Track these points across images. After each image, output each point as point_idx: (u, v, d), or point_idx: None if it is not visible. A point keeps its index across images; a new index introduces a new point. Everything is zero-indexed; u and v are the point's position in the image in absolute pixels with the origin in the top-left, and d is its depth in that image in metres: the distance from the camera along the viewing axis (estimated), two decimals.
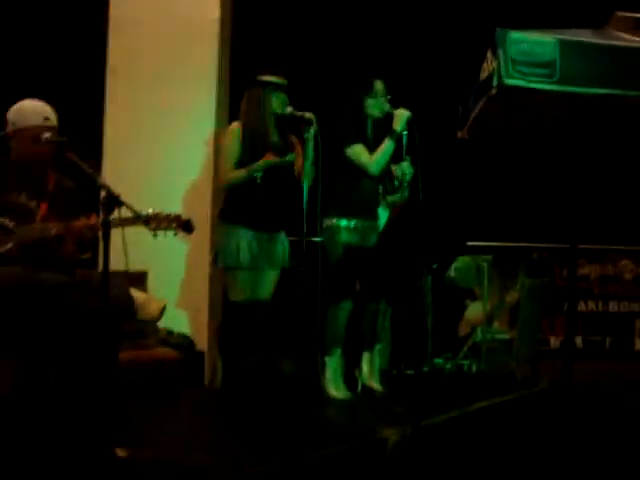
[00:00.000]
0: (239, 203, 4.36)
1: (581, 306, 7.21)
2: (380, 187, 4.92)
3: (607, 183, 7.19)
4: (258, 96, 4.38)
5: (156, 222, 3.29)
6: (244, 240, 4.32)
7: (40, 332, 3.30)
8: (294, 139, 4.48)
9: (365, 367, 4.72)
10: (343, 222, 4.52)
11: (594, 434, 4.24)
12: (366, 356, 4.73)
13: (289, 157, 4.27)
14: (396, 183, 4.75)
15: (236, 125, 4.41)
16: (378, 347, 4.80)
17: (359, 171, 4.56)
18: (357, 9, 7.01)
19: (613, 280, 7.33)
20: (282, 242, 4.51)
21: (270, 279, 4.50)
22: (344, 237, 4.51)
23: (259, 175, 4.27)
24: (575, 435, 4.20)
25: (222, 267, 4.47)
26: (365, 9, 7.00)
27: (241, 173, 4.30)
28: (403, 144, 4.55)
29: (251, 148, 4.34)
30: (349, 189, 4.54)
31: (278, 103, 4.37)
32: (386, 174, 4.72)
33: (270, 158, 4.27)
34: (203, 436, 3.90)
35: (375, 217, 4.73)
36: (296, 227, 4.56)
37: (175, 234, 3.38)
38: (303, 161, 4.23)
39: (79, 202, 3.70)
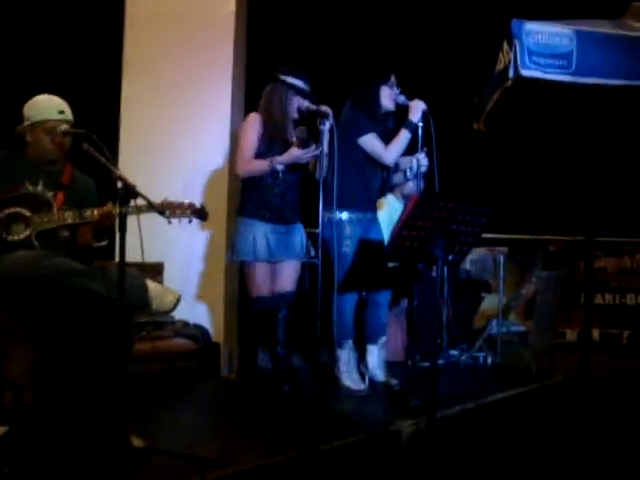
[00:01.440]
0: (255, 197, 4.37)
1: (598, 299, 7.18)
2: (396, 178, 4.94)
3: (624, 175, 7.15)
4: (281, 95, 4.38)
5: (170, 209, 3.35)
6: (260, 232, 4.33)
7: (54, 317, 3.33)
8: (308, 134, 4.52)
9: (372, 360, 4.72)
10: (345, 215, 4.52)
11: (609, 428, 4.23)
12: (371, 349, 4.73)
13: (311, 150, 4.25)
14: (409, 175, 4.74)
15: (256, 116, 4.42)
16: (384, 339, 4.79)
17: (362, 163, 4.56)
18: (372, 1, 7.00)
19: (630, 273, 7.29)
20: (300, 233, 4.52)
21: (290, 271, 4.49)
22: (348, 229, 4.51)
23: (281, 169, 4.27)
24: (590, 429, 4.19)
25: (239, 261, 4.48)
26: (380, 0, 6.99)
27: (264, 164, 4.29)
28: (419, 136, 4.54)
29: (270, 142, 4.35)
30: (351, 181, 4.51)
31: (296, 107, 4.39)
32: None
33: (294, 151, 4.27)
34: (218, 427, 3.92)
35: (375, 209, 4.76)
36: (311, 219, 4.58)
37: (190, 221, 3.44)
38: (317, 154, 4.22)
39: (95, 193, 3.76)
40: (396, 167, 4.79)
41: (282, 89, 4.38)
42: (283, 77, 4.39)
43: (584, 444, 3.99)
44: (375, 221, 4.73)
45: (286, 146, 4.33)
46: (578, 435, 4.11)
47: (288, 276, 4.49)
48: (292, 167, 4.35)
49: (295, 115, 4.42)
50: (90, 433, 3.26)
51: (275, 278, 4.46)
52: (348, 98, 4.67)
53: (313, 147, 4.26)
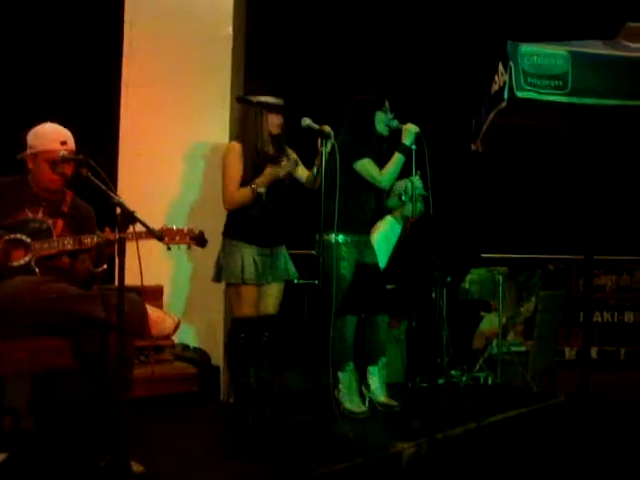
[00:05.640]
0: (241, 219, 4.35)
1: (596, 317, 7.20)
2: (391, 202, 4.96)
3: (622, 193, 7.18)
4: (254, 116, 4.34)
5: (169, 236, 3.36)
6: (248, 256, 4.31)
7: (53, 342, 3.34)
8: (292, 152, 4.51)
9: (373, 382, 4.72)
10: (341, 237, 4.53)
11: (611, 447, 4.22)
12: (372, 370, 4.73)
13: (284, 164, 4.24)
14: (404, 198, 4.75)
15: (236, 144, 4.38)
16: (384, 360, 4.79)
17: (357, 187, 4.58)
18: (369, 24, 7.06)
19: (629, 290, 7.32)
20: (284, 256, 4.50)
21: (274, 293, 4.46)
22: (343, 252, 4.52)
23: (263, 192, 4.27)
24: (592, 448, 4.18)
25: (226, 283, 4.46)
26: (377, 23, 7.05)
27: (246, 192, 4.26)
28: (412, 158, 4.56)
29: (252, 167, 4.31)
30: (347, 204, 4.47)
31: (275, 123, 4.37)
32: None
33: (267, 170, 4.24)
34: (218, 452, 3.91)
35: (369, 232, 4.79)
36: (305, 241, 4.59)
37: (188, 247, 3.45)
38: (321, 172, 4.19)
39: (94, 220, 3.78)
40: (390, 191, 4.80)
41: (254, 110, 4.34)
42: (252, 97, 4.35)
43: (586, 464, 3.98)
44: (369, 244, 4.75)
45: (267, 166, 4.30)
46: (580, 455, 4.10)
47: (272, 300, 4.46)
48: (275, 190, 4.34)
49: (274, 132, 4.38)
50: (90, 459, 3.25)
51: (259, 301, 4.42)
52: (343, 122, 4.68)
53: (285, 161, 4.24)
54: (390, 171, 4.54)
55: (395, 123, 4.62)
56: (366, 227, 4.76)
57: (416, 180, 4.61)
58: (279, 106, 4.36)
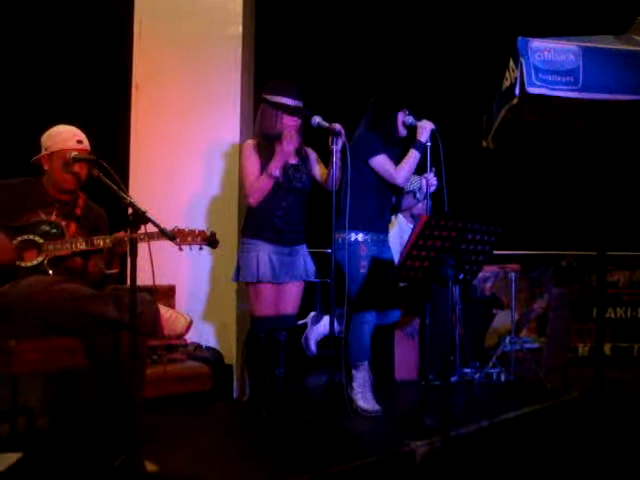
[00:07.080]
0: (259, 218, 4.33)
1: (609, 313, 7.17)
2: (405, 200, 4.95)
3: (635, 189, 7.15)
4: (271, 116, 4.34)
5: (181, 237, 3.37)
6: (264, 253, 4.29)
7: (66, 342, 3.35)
8: (308, 150, 4.50)
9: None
10: (360, 236, 4.52)
11: (625, 443, 4.20)
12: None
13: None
14: (418, 196, 4.74)
15: (250, 142, 4.38)
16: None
17: (375, 183, 4.56)
18: (380, 21, 7.06)
19: None
20: (303, 255, 4.47)
21: (293, 293, 4.45)
22: (364, 250, 4.51)
23: (278, 174, 4.22)
24: (606, 446, 4.16)
25: (243, 282, 4.45)
26: (387, 21, 7.05)
27: (263, 178, 4.23)
28: (427, 156, 4.54)
29: (268, 160, 4.28)
30: (366, 202, 4.51)
31: (291, 124, 4.32)
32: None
33: (277, 151, 4.21)
34: (232, 450, 3.91)
35: (387, 230, 4.78)
36: (322, 240, 4.58)
37: (200, 248, 3.46)
38: (331, 171, 4.19)
39: (106, 222, 3.81)
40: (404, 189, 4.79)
41: (271, 110, 4.34)
42: (270, 97, 4.34)
43: (600, 461, 3.97)
44: (386, 242, 4.73)
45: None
46: (594, 452, 4.09)
47: (291, 299, 4.43)
48: (293, 188, 4.32)
49: (290, 132, 4.35)
50: (104, 458, 3.26)
51: (278, 300, 4.40)
52: (362, 120, 4.67)
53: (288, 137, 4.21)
54: (405, 168, 4.51)
55: (410, 120, 4.60)
56: (385, 225, 4.74)
57: (431, 177, 4.60)
58: (297, 108, 4.35)
